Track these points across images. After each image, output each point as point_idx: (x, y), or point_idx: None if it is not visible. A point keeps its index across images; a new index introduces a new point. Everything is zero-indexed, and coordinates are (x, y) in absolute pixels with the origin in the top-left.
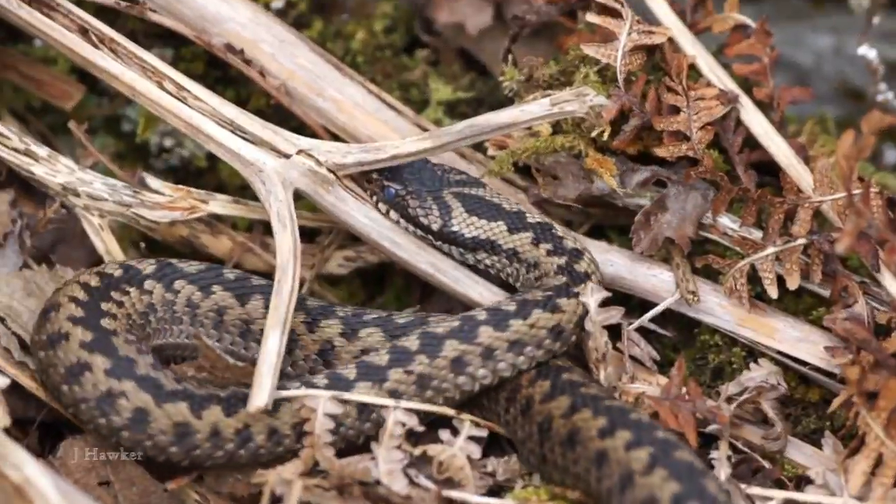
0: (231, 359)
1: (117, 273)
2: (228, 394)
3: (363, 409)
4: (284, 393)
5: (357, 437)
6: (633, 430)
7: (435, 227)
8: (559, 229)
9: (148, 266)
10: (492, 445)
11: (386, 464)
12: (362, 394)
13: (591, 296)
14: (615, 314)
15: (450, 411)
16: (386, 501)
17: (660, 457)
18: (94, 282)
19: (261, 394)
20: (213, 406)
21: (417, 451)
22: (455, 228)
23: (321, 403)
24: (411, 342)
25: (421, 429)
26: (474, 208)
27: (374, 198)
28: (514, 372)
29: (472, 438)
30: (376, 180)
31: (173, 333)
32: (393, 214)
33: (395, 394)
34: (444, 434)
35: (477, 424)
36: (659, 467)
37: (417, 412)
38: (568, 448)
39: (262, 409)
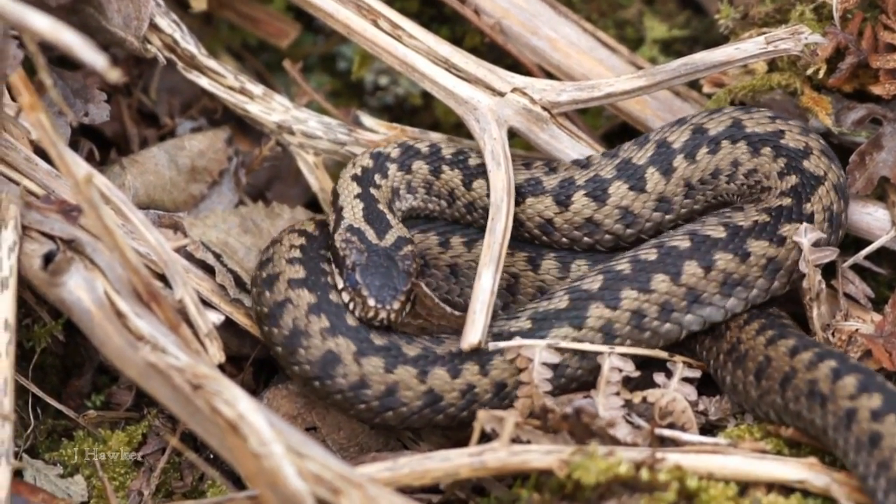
0: (448, 307)
1: None
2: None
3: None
4: (501, 344)
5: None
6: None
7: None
8: None
9: None
10: (703, 384)
11: (606, 411)
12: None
13: (805, 235)
14: (829, 254)
15: (663, 354)
16: (593, 435)
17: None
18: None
19: (474, 332)
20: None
21: (637, 399)
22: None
23: (537, 352)
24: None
25: (636, 374)
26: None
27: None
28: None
29: (685, 380)
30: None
31: None
32: None
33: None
34: (659, 377)
35: (690, 365)
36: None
37: (631, 355)
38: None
39: (476, 346)
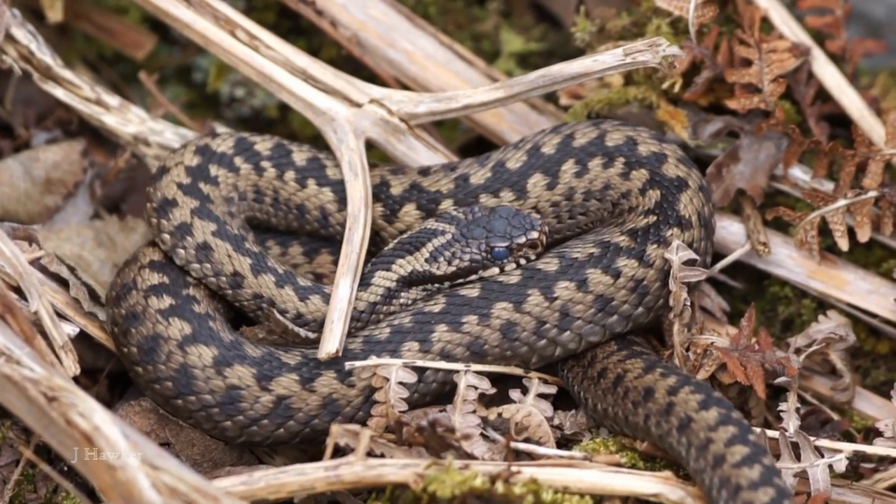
0: (302, 332)
1: None
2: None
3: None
4: (358, 363)
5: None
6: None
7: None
8: None
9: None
10: (559, 399)
11: (462, 429)
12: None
13: (676, 253)
14: (698, 273)
15: (518, 370)
16: (448, 448)
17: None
18: None
19: (332, 341)
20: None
21: (493, 415)
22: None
23: (394, 372)
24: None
25: (492, 391)
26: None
27: (489, 269)
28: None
29: (541, 396)
30: (484, 257)
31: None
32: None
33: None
34: (515, 393)
35: (546, 381)
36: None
37: (487, 373)
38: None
39: (333, 356)
